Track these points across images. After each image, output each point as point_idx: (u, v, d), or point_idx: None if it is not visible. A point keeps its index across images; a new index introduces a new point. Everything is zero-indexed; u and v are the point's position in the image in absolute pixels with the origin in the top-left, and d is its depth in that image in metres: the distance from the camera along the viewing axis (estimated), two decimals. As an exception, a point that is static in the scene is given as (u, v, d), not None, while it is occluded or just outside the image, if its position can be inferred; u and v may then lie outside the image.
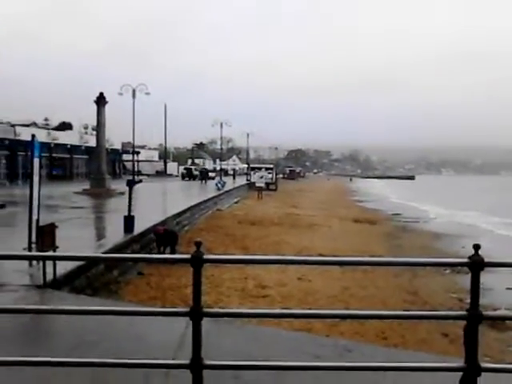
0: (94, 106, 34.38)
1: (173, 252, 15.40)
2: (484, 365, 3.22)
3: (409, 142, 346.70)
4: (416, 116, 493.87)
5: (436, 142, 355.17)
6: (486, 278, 18.26)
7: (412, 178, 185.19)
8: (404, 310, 3.37)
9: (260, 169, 74.64)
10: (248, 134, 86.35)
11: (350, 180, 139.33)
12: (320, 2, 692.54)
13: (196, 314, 3.28)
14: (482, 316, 3.20)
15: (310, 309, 9.02)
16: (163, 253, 15.42)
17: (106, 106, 34.53)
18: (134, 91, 41.98)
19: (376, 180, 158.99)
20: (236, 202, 43.13)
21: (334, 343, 6.75)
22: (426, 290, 15.15)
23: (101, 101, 34.13)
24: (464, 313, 3.22)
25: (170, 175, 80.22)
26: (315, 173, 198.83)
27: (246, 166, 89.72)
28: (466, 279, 18.70)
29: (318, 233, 26.47)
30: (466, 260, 3.22)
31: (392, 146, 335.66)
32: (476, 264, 3.18)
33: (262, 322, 7.54)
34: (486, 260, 3.20)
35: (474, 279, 3.21)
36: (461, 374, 3.25)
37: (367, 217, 37.27)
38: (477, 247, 3.19)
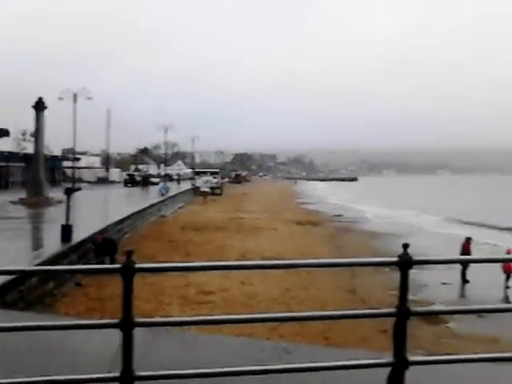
0: (33, 112, 33.00)
1: (112, 261, 15.01)
2: (412, 358, 3.30)
3: (351, 145, 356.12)
4: (358, 120, 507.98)
5: (377, 145, 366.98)
6: (424, 274, 19.02)
7: (355, 179, 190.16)
8: (342, 310, 3.44)
9: (205, 173, 74.25)
10: (193, 139, 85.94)
11: (295, 183, 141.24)
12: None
13: (126, 325, 3.17)
14: (409, 312, 3.27)
15: (251, 312, 9.03)
16: (102, 262, 15.01)
17: (47, 112, 33.18)
18: (75, 96, 40.73)
19: (320, 182, 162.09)
20: (180, 208, 42.69)
21: (274, 346, 6.75)
22: (366, 289, 15.54)
23: (39, 106, 32.69)
24: (393, 310, 3.29)
25: (113, 182, 78.34)
26: (261, 176, 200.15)
27: (191, 170, 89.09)
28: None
29: (262, 236, 26.62)
30: (395, 259, 3.28)
31: (335, 149, 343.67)
32: (405, 263, 3.25)
33: (202, 328, 7.45)
34: (415, 258, 3.27)
35: (402, 277, 3.28)
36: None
37: (310, 219, 37.91)
38: (405, 246, 3.26)
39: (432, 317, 12.57)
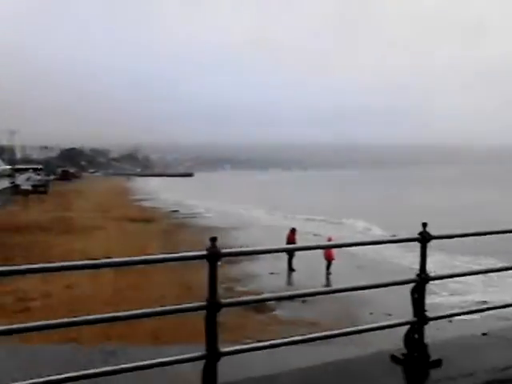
0: None
1: None
2: (223, 349, 3.37)
3: (188, 140, 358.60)
4: (193, 115, 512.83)
5: (214, 140, 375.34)
6: (254, 265, 19.76)
7: (191, 174, 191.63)
8: (155, 308, 3.37)
9: (27, 170, 68.46)
10: (12, 132, 78.24)
11: (129, 179, 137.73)
12: None
13: None
14: (220, 304, 3.33)
15: (71, 316, 8.54)
16: None
17: None
18: None
19: (156, 178, 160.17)
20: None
21: (100, 350, 6.51)
22: (200, 283, 15.72)
23: None
24: (204, 303, 3.32)
25: None
26: (92, 173, 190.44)
27: (10, 167, 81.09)
28: (235, 269, 20.00)
29: (92, 235, 25.40)
30: (204, 252, 3.31)
31: (172, 144, 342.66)
32: (212, 255, 3.29)
33: (22, 338, 6.84)
34: (222, 251, 3.34)
35: (211, 270, 3.32)
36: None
37: (145, 215, 37.28)
38: (213, 239, 3.31)
39: (260, 305, 13.24)
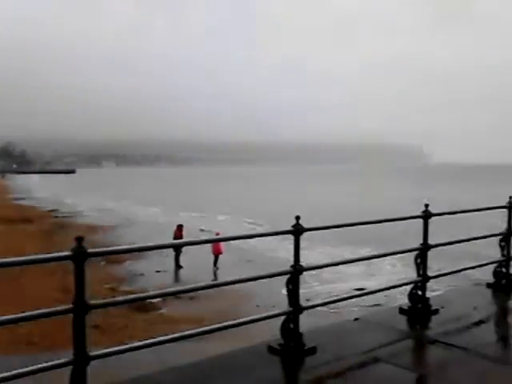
0: None
1: None
2: (92, 353, 3.23)
3: (69, 135, 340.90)
4: (80, 110, 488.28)
5: (98, 136, 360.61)
6: (140, 264, 19.17)
7: (73, 171, 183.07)
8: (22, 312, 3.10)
9: None
10: None
11: (3, 177, 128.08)
12: None
13: None
14: (88, 306, 3.18)
15: None
16: None
17: None
18: None
19: (34, 175, 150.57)
20: None
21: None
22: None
23: None
24: (70, 306, 3.15)
25: None
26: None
27: None
28: (121, 268, 19.27)
29: (-41, 238, 23.12)
30: (68, 253, 3.15)
31: (53, 140, 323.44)
32: (78, 256, 3.15)
33: None
34: (90, 251, 3.21)
35: (77, 271, 3.17)
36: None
37: (22, 215, 34.87)
38: (79, 239, 3.18)
39: (146, 304, 12.94)
